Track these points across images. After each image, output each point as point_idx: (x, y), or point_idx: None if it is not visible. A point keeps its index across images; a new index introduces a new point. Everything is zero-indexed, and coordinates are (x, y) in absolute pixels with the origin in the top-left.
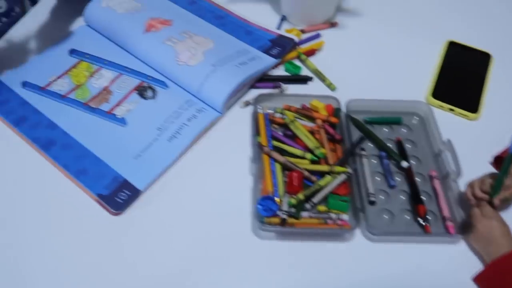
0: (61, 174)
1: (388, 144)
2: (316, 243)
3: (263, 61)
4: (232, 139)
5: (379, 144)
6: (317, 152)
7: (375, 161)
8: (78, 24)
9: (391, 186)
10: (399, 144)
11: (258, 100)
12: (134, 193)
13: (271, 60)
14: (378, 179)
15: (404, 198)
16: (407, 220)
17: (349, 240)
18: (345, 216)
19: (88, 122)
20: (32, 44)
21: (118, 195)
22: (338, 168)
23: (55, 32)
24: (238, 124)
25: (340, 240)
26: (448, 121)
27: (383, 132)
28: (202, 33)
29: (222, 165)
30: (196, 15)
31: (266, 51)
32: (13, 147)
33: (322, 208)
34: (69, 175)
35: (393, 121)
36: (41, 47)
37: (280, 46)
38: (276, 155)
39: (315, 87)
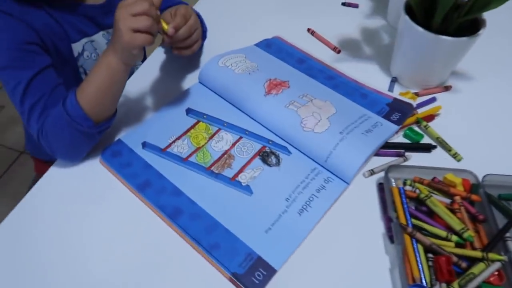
0: (190, 247)
1: None
2: None
3: (386, 128)
4: (360, 213)
5: None
6: (465, 235)
7: None
8: (191, 81)
9: None
10: None
11: (389, 171)
12: (269, 272)
13: (393, 127)
14: None
15: None
16: None
17: None
18: None
19: (213, 189)
20: (148, 101)
21: (254, 275)
22: (493, 256)
23: (169, 89)
24: (363, 196)
25: None
26: None
27: None
28: (320, 96)
29: (354, 243)
30: (308, 75)
31: (386, 117)
32: (138, 215)
33: None
34: (199, 249)
35: None
36: (157, 105)
37: (399, 111)
38: (421, 237)
39: (437, 157)
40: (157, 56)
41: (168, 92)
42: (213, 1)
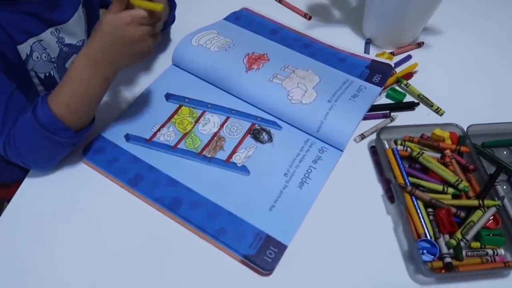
0: (195, 236)
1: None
2: (477, 282)
3: (370, 91)
4: (357, 178)
5: (509, 170)
6: (460, 186)
7: (505, 187)
8: (164, 64)
9: None
10: None
11: (380, 133)
12: (280, 249)
13: (376, 89)
14: None
15: None
16: None
17: (510, 276)
18: (501, 251)
19: (209, 174)
20: (123, 91)
21: (266, 253)
22: (489, 202)
23: (142, 75)
24: (357, 161)
25: (502, 277)
26: None
27: (502, 155)
28: (301, 66)
29: (355, 207)
30: (284, 46)
31: (368, 80)
32: (134, 211)
33: (475, 244)
34: (206, 236)
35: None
36: (133, 94)
37: (379, 73)
38: (420, 194)
39: (421, 114)
40: None
41: (142, 78)
42: None
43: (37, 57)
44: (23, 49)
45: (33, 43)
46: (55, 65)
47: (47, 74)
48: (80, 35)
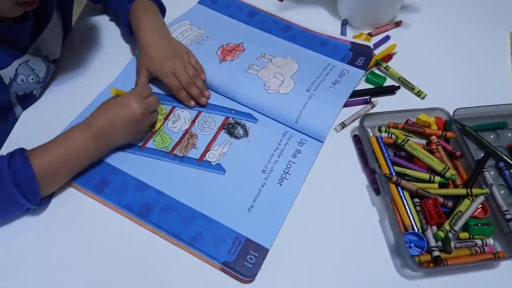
0: (169, 243)
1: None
2: (466, 274)
3: (352, 75)
4: (340, 169)
5: (497, 155)
6: (447, 174)
7: (493, 173)
8: (126, 58)
9: None
10: None
11: (363, 121)
12: (261, 253)
13: (360, 72)
14: (502, 192)
15: None
16: None
17: (499, 267)
18: (490, 241)
19: (181, 175)
20: (82, 89)
21: (246, 259)
22: (478, 190)
23: (102, 70)
24: (339, 151)
25: (492, 268)
26: None
27: (489, 139)
28: (280, 53)
29: (339, 201)
30: (261, 30)
31: (351, 63)
32: (100, 219)
33: (463, 235)
34: (181, 243)
35: (499, 126)
36: (93, 91)
37: (362, 55)
38: (407, 184)
39: (402, 98)
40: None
41: (103, 73)
42: None
43: (23, 80)
44: (7, 73)
45: (19, 65)
46: (41, 85)
47: (28, 92)
48: (58, 47)
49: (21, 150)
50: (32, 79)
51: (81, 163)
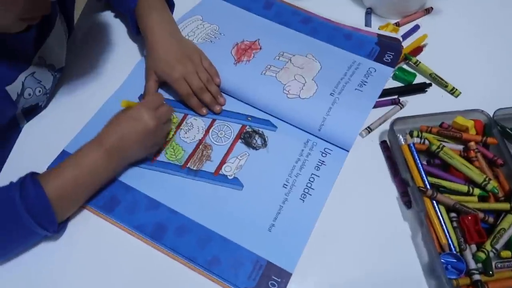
0: (184, 267)
1: None
2: None
3: (380, 74)
4: (366, 179)
5: None
6: (489, 187)
7: None
8: (135, 59)
9: None
10: None
11: (394, 125)
12: (284, 278)
13: (388, 70)
14: None
15: None
16: None
17: None
18: None
19: (195, 191)
20: (87, 97)
21: (267, 285)
22: None
23: (109, 74)
24: (366, 159)
25: None
26: None
27: None
28: (299, 50)
29: (367, 216)
30: (279, 23)
31: (378, 59)
32: (111, 241)
33: (505, 253)
34: (196, 268)
35: None
36: (99, 99)
37: (391, 50)
38: (443, 198)
39: (433, 96)
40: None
41: (110, 78)
42: None
43: (30, 94)
44: (14, 89)
45: (25, 78)
46: (47, 95)
47: (34, 104)
48: (62, 52)
49: (32, 175)
50: (39, 91)
51: (97, 184)
